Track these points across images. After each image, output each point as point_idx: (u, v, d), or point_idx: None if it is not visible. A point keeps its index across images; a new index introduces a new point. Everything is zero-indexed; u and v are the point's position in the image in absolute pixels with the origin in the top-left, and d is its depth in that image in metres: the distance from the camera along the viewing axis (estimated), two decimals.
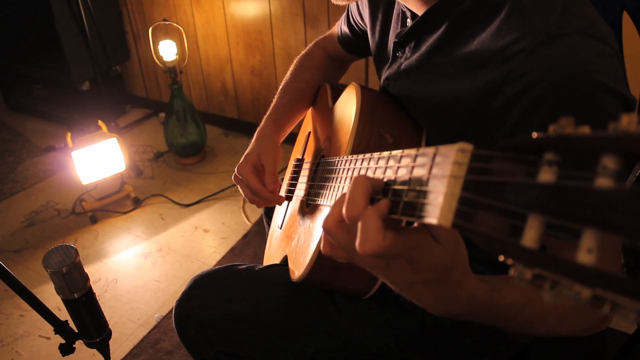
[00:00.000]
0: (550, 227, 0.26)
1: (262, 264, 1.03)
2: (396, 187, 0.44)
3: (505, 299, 0.54)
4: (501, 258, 0.28)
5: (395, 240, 0.42)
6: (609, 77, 0.58)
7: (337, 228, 0.47)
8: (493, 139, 0.67)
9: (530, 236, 0.25)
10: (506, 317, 0.56)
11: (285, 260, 0.97)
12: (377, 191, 0.47)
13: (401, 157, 0.46)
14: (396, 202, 0.43)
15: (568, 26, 0.60)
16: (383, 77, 0.89)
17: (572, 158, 0.25)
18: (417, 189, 0.40)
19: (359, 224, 0.43)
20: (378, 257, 0.44)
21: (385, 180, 0.47)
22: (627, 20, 1.51)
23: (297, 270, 0.83)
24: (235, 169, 0.99)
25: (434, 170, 0.38)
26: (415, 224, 0.45)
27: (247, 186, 0.97)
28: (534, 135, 0.27)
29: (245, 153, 1.02)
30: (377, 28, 0.94)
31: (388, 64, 0.88)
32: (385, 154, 0.50)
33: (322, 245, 0.51)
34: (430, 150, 0.40)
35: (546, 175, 0.26)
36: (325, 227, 0.48)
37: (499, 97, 0.63)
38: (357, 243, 0.42)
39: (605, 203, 0.21)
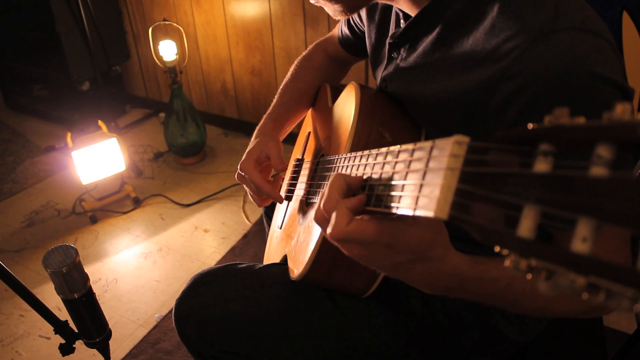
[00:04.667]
0: (546, 217, 0.26)
1: (262, 263, 1.03)
2: (395, 182, 0.46)
3: (490, 272, 0.56)
4: (497, 249, 0.28)
5: (363, 226, 0.47)
6: (606, 69, 0.58)
7: (321, 221, 0.53)
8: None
9: (526, 226, 0.25)
10: (495, 292, 0.58)
11: (285, 259, 0.97)
12: (356, 187, 0.53)
13: (399, 152, 0.46)
14: (370, 195, 0.49)
15: (561, 22, 0.59)
16: (379, 78, 0.90)
17: (567, 148, 0.25)
18: (414, 183, 0.40)
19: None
20: (349, 242, 0.49)
21: (364, 177, 0.53)
22: (627, 20, 1.51)
23: (297, 268, 0.83)
24: (238, 166, 0.99)
25: (431, 164, 0.38)
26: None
27: (251, 181, 0.97)
28: (530, 126, 0.27)
29: (247, 150, 1.02)
30: (374, 30, 0.94)
31: (384, 65, 0.88)
32: (383, 150, 0.50)
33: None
34: (427, 144, 0.40)
35: (541, 166, 0.26)
36: (315, 220, 0.54)
37: (495, 95, 0.63)
38: (327, 230, 0.49)
39: (599, 191, 0.21)
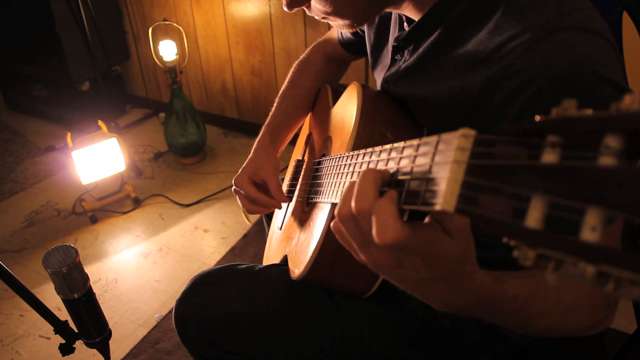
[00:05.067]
0: (555, 207, 0.26)
1: (262, 264, 1.03)
2: (401, 177, 0.44)
3: (509, 291, 0.53)
4: (505, 240, 0.28)
5: (413, 232, 0.41)
6: (607, 69, 0.58)
7: (348, 219, 0.46)
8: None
9: (534, 217, 0.25)
10: (509, 311, 0.55)
11: (285, 260, 0.97)
12: (385, 183, 0.46)
13: (404, 148, 0.46)
14: (400, 192, 0.43)
15: (564, 21, 0.60)
16: (382, 79, 0.90)
17: (574, 140, 0.25)
18: (420, 177, 0.40)
19: (374, 216, 0.41)
20: (395, 249, 0.42)
21: (391, 171, 0.46)
22: (627, 20, 1.51)
23: (297, 268, 0.83)
24: (233, 181, 1.01)
25: (437, 158, 0.38)
26: (426, 219, 0.45)
27: (247, 197, 0.99)
28: (537, 118, 0.27)
29: (243, 165, 1.04)
30: (373, 32, 0.94)
31: (387, 67, 0.88)
32: (388, 146, 0.50)
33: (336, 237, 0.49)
34: (433, 139, 0.40)
35: (549, 157, 0.26)
36: (340, 219, 0.47)
37: (498, 94, 0.63)
38: (374, 234, 0.41)
39: (608, 181, 0.21)
